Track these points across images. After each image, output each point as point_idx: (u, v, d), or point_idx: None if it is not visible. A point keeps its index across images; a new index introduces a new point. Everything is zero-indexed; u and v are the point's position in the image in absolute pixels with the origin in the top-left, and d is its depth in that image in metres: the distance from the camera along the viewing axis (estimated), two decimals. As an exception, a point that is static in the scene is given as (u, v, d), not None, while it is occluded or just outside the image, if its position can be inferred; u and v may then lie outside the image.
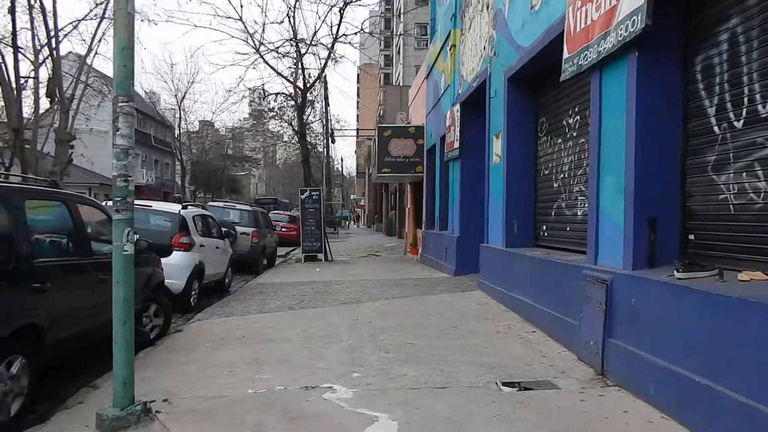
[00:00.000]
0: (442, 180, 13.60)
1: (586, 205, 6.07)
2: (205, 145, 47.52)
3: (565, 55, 5.63)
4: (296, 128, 18.59)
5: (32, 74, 23.33)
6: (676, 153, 4.51)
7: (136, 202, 9.10)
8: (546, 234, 7.47)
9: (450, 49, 12.17)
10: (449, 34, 12.21)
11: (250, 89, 16.47)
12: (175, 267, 8.24)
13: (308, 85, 16.43)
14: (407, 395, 4.03)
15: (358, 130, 44.37)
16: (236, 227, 13.76)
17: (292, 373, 4.67)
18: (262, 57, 15.23)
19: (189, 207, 9.17)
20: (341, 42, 16.35)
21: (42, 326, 4.09)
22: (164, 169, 47.18)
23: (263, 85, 14.56)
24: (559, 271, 5.89)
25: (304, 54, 16.03)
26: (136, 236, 8.32)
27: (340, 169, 71.65)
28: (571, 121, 6.73)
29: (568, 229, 6.69)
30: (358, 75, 75.82)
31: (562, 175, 6.94)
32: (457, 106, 11.09)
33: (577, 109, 6.47)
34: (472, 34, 10.42)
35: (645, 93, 4.51)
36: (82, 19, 24.54)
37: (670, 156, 4.51)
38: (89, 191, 33.48)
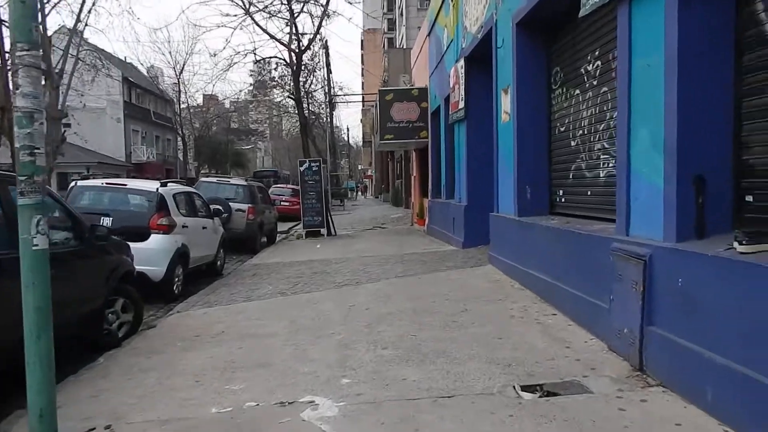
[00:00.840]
0: (447, 145, 12.69)
1: (612, 164, 5.22)
2: (207, 119, 46.55)
3: (585, -16, 4.69)
4: (293, 95, 17.59)
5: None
6: (728, 94, 3.63)
7: (108, 180, 8.43)
8: (563, 200, 6.63)
9: (452, 1, 11.12)
10: (450, -17, 11.15)
11: (238, 53, 15.37)
12: (154, 252, 7.54)
13: (303, 48, 15.40)
14: (405, 409, 3.29)
15: (363, 96, 43.00)
16: (231, 204, 13.05)
17: (269, 381, 3.94)
18: (251, 17, 14.23)
19: (169, 184, 8.41)
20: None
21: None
22: (166, 145, 46.42)
23: (255, 50, 13.57)
24: (581, 243, 5.07)
25: (298, 15, 14.94)
26: (105, 221, 7.69)
27: (346, 138, 70.57)
28: (590, 68, 5.81)
29: (589, 193, 5.84)
30: (361, 41, 74.00)
31: (580, 132, 6.06)
32: (462, 62, 10.12)
33: (598, 53, 5.55)
34: (474, -21, 9.38)
35: (687, 21, 3.61)
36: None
37: (721, 98, 3.63)
38: (87, 170, 32.89)
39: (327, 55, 35.05)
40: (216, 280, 9.38)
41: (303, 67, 34.18)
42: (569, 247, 5.31)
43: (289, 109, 40.47)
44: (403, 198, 27.43)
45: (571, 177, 6.35)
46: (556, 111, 6.76)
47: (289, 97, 26.65)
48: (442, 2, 12.37)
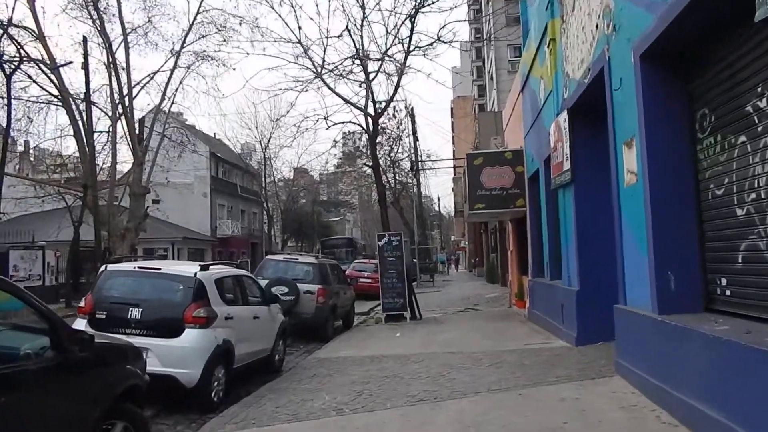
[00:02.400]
0: (550, 214, 11.06)
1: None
2: (292, 191, 47.65)
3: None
4: (370, 163, 16.82)
5: (110, 129, 23.87)
6: None
7: (141, 264, 7.63)
8: (728, 292, 4.84)
9: (548, 46, 9.85)
10: (546, 28, 9.94)
11: (306, 117, 14.85)
12: (187, 351, 6.50)
13: (380, 111, 14.61)
14: None
15: (454, 162, 42.12)
16: (299, 285, 12.03)
17: None
18: (322, 80, 13.68)
19: (212, 267, 7.44)
20: (414, 55, 14.36)
21: None
22: (252, 218, 47.71)
23: (327, 116, 12.99)
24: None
25: (374, 76, 14.26)
26: (134, 313, 6.77)
27: (437, 208, 69.88)
28: (763, 104, 4.20)
29: (776, 285, 4.08)
30: (451, 109, 74.56)
31: (752, 195, 4.38)
32: (564, 115, 8.69)
33: (778, 80, 3.96)
34: (576, 17, 8.09)
35: None
36: (156, 72, 24.67)
37: None
38: (172, 246, 33.99)
39: (413, 122, 34.94)
40: (271, 380, 8.17)
41: (387, 135, 34.35)
42: (763, 377, 3.54)
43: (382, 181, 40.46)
44: (498, 274, 25.49)
45: (740, 260, 4.60)
46: (708, 168, 5.10)
47: (365, 164, 26.19)
48: (537, 51, 11.14)
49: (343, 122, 14.54)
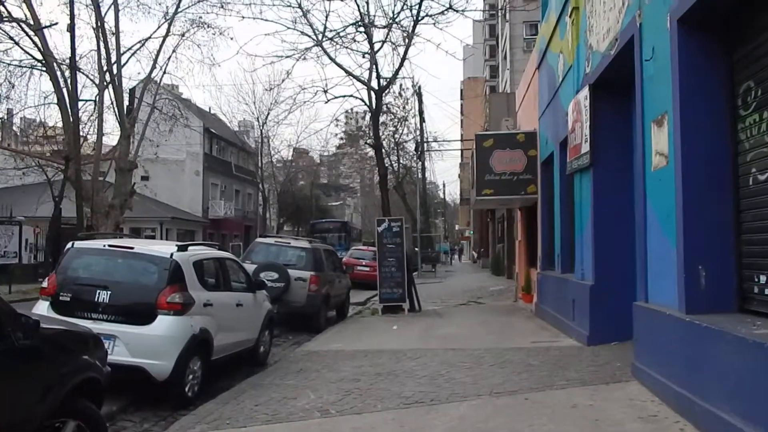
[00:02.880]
0: (563, 202, 10.66)
1: None
2: (290, 173, 47.19)
3: None
4: (371, 141, 16.36)
5: (96, 98, 23.35)
6: None
7: (112, 242, 7.24)
8: (767, 291, 4.45)
9: (570, 16, 9.38)
10: (567, -2, 9.48)
11: (304, 88, 14.36)
12: (159, 340, 6.14)
13: (384, 84, 14.11)
14: None
15: (462, 143, 41.55)
16: (290, 271, 11.66)
17: None
18: (323, 49, 13.18)
19: (191, 248, 7.05)
20: (424, 24, 13.81)
21: None
22: (246, 200, 47.31)
23: (326, 89, 12.46)
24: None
25: (379, 47, 13.74)
26: (102, 296, 6.38)
27: (442, 195, 69.48)
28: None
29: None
30: (461, 91, 73.71)
31: (804, 181, 3.97)
32: (585, 92, 8.24)
33: None
34: (603, -18, 7.63)
35: None
36: (148, 38, 24.12)
37: None
38: (161, 226, 33.64)
39: (420, 101, 34.39)
40: (254, 373, 7.83)
41: (393, 115, 33.80)
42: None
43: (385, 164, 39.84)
44: (505, 266, 25.13)
45: (784, 255, 4.21)
46: (750, 149, 4.69)
47: (366, 143, 25.54)
48: (557, 22, 10.66)
49: (344, 96, 14.01)
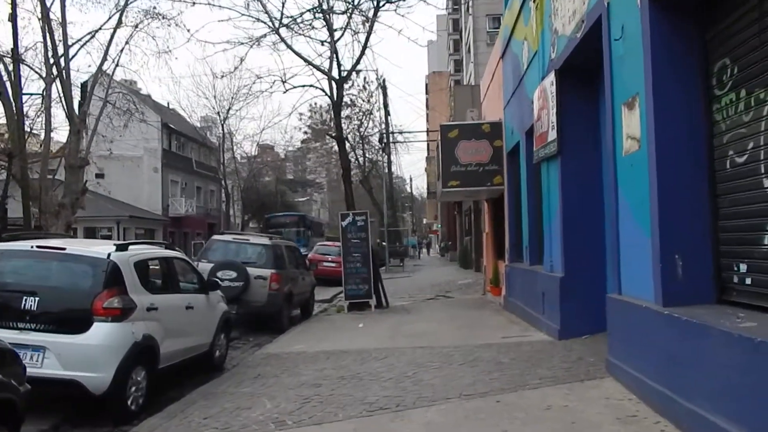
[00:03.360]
0: (530, 192, 10.41)
1: None
2: (253, 168, 46.27)
3: None
4: (333, 134, 15.88)
5: (43, 92, 22.30)
6: None
7: (41, 244, 6.62)
8: (749, 280, 4.20)
9: (534, 1, 9.10)
10: (531, -20, 9.19)
11: (259, 77, 13.86)
12: (95, 349, 5.61)
13: (346, 73, 13.63)
14: None
15: (428, 135, 41.24)
16: (248, 270, 11.15)
17: None
18: (279, 35, 12.64)
19: (132, 247, 6.50)
20: (385, 10, 13.37)
21: None
22: (209, 197, 46.24)
23: (285, 79, 11.86)
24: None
25: (341, 35, 13.24)
26: (29, 303, 5.84)
27: (409, 190, 69.29)
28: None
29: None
30: (426, 85, 73.53)
31: (785, 163, 3.71)
32: (551, 78, 7.96)
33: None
34: (568, -38, 7.33)
35: None
36: (98, 29, 23.08)
37: None
38: (117, 225, 32.55)
39: (385, 95, 33.99)
40: (208, 380, 7.35)
41: (357, 108, 33.32)
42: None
43: (351, 158, 39.19)
44: (473, 258, 24.97)
45: (766, 242, 3.95)
46: (726, 130, 4.42)
47: (328, 134, 24.98)
48: (521, 8, 10.36)
49: (303, 86, 13.39)
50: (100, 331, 5.63)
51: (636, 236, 5.23)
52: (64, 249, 6.11)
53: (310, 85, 13.81)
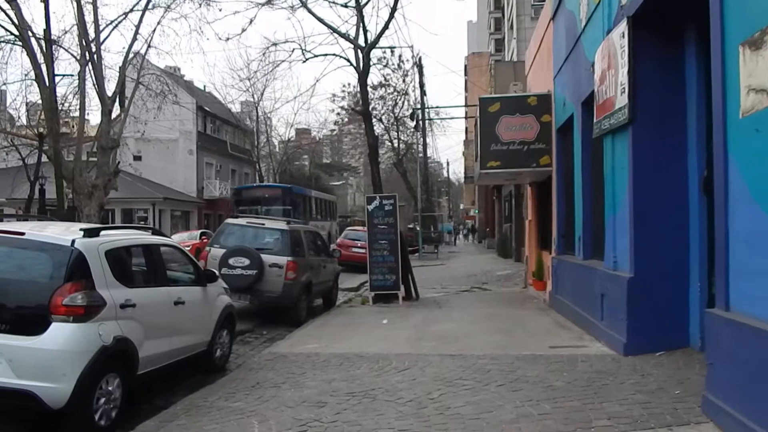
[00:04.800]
0: (586, 173, 8.83)
1: None
2: (288, 151, 45.23)
3: None
4: (358, 107, 14.46)
5: (78, 74, 21.62)
6: None
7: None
8: None
9: (598, -59, 7.45)
10: None
11: (274, 43, 12.43)
12: (52, 355, 4.47)
13: (372, 41, 12.10)
14: None
15: (465, 119, 39.48)
16: (263, 257, 9.89)
17: None
18: (301, 1, 11.23)
19: (104, 233, 5.24)
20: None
21: None
22: (243, 180, 45.46)
23: (304, 46, 10.52)
24: None
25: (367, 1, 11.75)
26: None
27: (446, 174, 67.56)
28: None
29: None
30: (465, 66, 71.23)
31: None
32: (622, 28, 6.33)
33: None
34: None
35: None
36: (131, 10, 22.09)
37: None
38: (153, 207, 31.98)
39: (421, 74, 32.29)
40: (203, 385, 6.17)
41: (392, 89, 31.70)
42: None
43: (383, 140, 37.60)
44: (512, 247, 23.31)
45: None
46: None
47: (353, 109, 23.42)
48: (580, -44, 8.70)
49: (324, 55, 11.87)
50: (58, 333, 4.47)
51: (758, 229, 3.67)
52: (22, 234, 4.89)
53: (333, 54, 12.30)
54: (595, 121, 7.61)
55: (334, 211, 35.30)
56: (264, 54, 12.13)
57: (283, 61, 12.60)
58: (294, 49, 11.68)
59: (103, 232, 5.26)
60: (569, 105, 9.80)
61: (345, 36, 11.85)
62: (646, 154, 6.17)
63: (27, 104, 26.01)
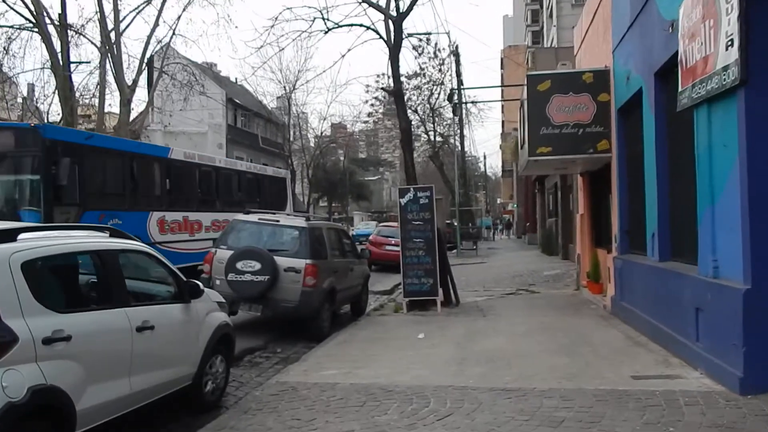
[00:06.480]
0: (661, 157, 7.22)
1: None
2: (321, 145, 44.09)
3: None
4: (390, 88, 13.00)
5: (100, 62, 20.86)
6: None
7: None
8: None
9: None
10: None
11: (288, 8, 11.04)
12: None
13: (405, 10, 10.60)
14: None
15: (502, 92, 37.55)
16: (276, 260, 8.54)
17: None
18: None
19: (24, 236, 3.92)
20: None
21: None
22: (276, 175, 44.55)
23: (326, 17, 9.25)
24: None
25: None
26: None
27: (483, 167, 65.59)
28: None
29: None
30: (501, 60, 68.80)
31: None
32: (727, -40, 4.74)
33: None
34: None
35: None
36: (150, -1, 21.15)
37: None
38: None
39: (458, 62, 30.64)
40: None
41: (428, 78, 30.15)
42: None
43: (419, 133, 36.03)
44: (558, 244, 21.54)
45: None
46: None
47: (383, 89, 21.97)
48: None
49: (349, 25, 10.36)
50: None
51: None
52: None
53: (360, 25, 10.78)
54: (680, 90, 6.01)
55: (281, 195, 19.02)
56: (276, 19, 10.66)
57: (303, 32, 11.15)
58: (315, 18, 10.22)
59: (22, 235, 3.94)
60: (635, 79, 8.18)
61: (373, 4, 10.36)
62: (764, 124, 4.58)
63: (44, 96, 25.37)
